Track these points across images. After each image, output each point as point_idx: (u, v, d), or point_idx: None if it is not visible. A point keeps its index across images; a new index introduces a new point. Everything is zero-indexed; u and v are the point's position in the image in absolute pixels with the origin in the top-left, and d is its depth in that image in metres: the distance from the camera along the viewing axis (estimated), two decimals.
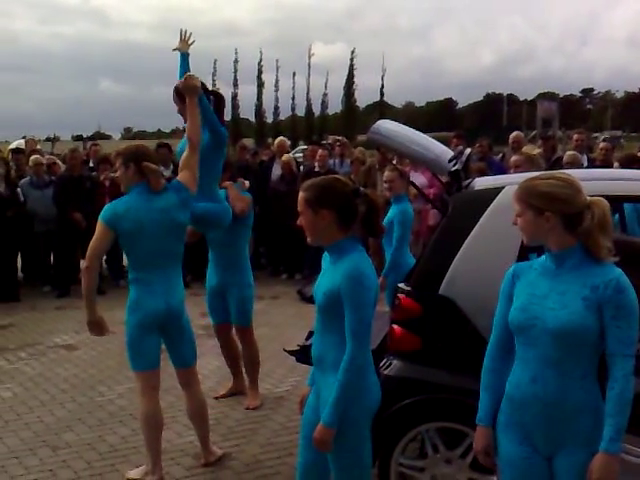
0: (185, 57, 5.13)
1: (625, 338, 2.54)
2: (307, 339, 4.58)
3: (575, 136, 9.61)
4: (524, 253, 3.44)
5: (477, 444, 2.88)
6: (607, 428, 2.53)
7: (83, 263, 4.29)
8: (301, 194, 3.12)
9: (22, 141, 14.74)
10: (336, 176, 3.28)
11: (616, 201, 4.22)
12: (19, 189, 9.91)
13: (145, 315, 4.28)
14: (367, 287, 2.97)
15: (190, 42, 5.16)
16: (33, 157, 10.46)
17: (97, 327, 4.31)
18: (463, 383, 3.53)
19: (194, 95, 4.60)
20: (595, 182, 3.58)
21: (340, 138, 12.29)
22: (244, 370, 5.94)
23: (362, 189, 3.13)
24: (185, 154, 4.58)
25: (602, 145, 9.16)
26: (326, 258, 3.20)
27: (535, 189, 2.65)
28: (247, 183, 6.20)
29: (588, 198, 2.62)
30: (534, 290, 2.69)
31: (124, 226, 4.17)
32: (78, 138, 56.85)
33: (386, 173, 6.39)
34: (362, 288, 2.96)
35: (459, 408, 3.58)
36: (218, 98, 5.30)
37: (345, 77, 58.73)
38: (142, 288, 4.29)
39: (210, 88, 5.30)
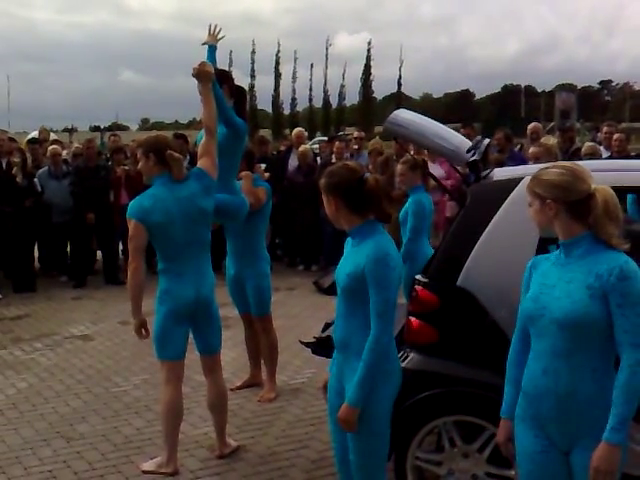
0: (212, 50, 5.14)
1: (631, 327, 2.50)
2: (323, 331, 4.55)
3: (615, 136, 8.94)
4: (543, 244, 3.38)
5: (498, 436, 2.92)
6: (611, 418, 2.50)
7: (129, 263, 4.28)
8: (320, 181, 3.23)
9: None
10: (346, 163, 3.33)
11: (632, 192, 4.16)
12: (36, 179, 9.94)
13: (176, 305, 4.29)
14: (392, 267, 3.03)
15: (219, 37, 5.16)
16: (51, 147, 10.49)
17: (140, 329, 4.33)
18: (481, 376, 3.49)
19: (208, 82, 4.60)
20: (613, 173, 3.53)
21: (357, 134, 12.23)
22: (263, 362, 5.92)
23: (366, 175, 3.16)
24: (203, 141, 4.58)
25: (616, 136, 9.00)
26: (348, 242, 3.24)
27: (539, 178, 2.69)
28: (267, 174, 6.18)
29: (593, 186, 2.59)
30: (545, 280, 2.68)
31: (153, 219, 4.17)
32: (96, 129, 57.05)
33: (398, 166, 6.35)
34: (387, 268, 3.01)
35: (477, 401, 3.54)
36: (240, 92, 5.32)
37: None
38: (172, 278, 4.30)
39: None
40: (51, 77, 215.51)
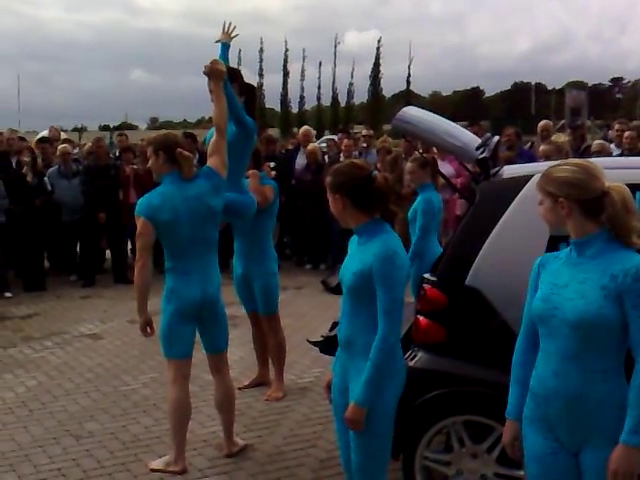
0: (225, 48, 5.13)
1: None
2: (331, 330, 4.55)
3: (626, 134, 8.89)
4: (553, 243, 3.35)
5: (504, 437, 2.87)
6: (627, 420, 2.47)
7: (135, 261, 4.30)
8: (326, 179, 3.22)
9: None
10: (353, 160, 3.34)
11: None
12: (46, 178, 9.98)
13: (182, 303, 4.29)
14: (399, 266, 3.02)
15: (233, 35, 5.16)
16: (61, 146, 10.51)
17: (145, 327, 4.34)
18: (490, 376, 3.47)
19: (220, 80, 4.58)
20: (623, 170, 3.50)
21: (366, 132, 12.23)
22: (270, 361, 5.92)
23: (375, 173, 3.14)
24: (213, 139, 4.56)
25: (627, 134, 8.96)
26: (353, 241, 3.23)
27: (551, 176, 2.64)
28: (274, 172, 6.16)
29: (607, 184, 2.56)
30: (556, 280, 2.64)
31: (162, 217, 4.17)
32: (105, 128, 57.19)
33: (407, 164, 6.33)
34: (395, 267, 2.99)
35: (486, 401, 3.52)
36: (251, 90, 5.31)
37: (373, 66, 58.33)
38: (179, 277, 4.30)
39: None
40: (60, 76, 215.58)
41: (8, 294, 9.32)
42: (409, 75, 58.87)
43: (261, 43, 57.64)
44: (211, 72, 4.59)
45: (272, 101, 60.64)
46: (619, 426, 2.50)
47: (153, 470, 4.46)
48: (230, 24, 5.14)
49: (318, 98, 59.09)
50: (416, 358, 3.74)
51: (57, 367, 6.56)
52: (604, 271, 2.52)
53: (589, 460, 2.59)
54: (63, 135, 15.41)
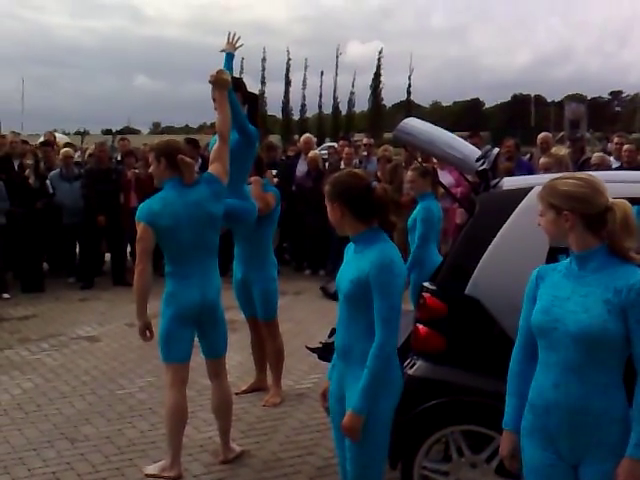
0: (230, 58, 5.19)
1: None
2: (329, 336, 4.54)
3: (625, 147, 8.92)
4: (552, 254, 3.36)
5: (503, 449, 2.85)
6: (633, 434, 2.46)
7: (135, 265, 4.30)
8: (325, 187, 3.24)
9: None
10: (353, 170, 3.36)
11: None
12: (48, 181, 10.02)
13: (181, 308, 4.30)
14: (397, 274, 3.03)
15: (237, 45, 5.21)
16: (63, 150, 10.57)
17: (144, 331, 4.33)
18: (489, 385, 3.46)
19: (224, 89, 4.65)
20: (622, 184, 3.50)
21: (366, 140, 12.27)
22: (268, 366, 5.91)
23: (374, 184, 3.16)
24: (216, 146, 4.63)
25: (626, 147, 8.98)
26: (350, 249, 3.24)
27: (555, 188, 2.63)
28: (275, 179, 6.18)
29: (610, 199, 2.56)
30: (557, 292, 2.63)
31: (162, 223, 4.19)
32: (107, 132, 57.17)
33: (408, 173, 6.36)
34: (392, 275, 3.01)
35: (485, 411, 3.50)
36: (253, 99, 5.36)
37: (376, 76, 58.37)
38: (179, 281, 4.31)
39: None
40: (65, 81, 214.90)
41: (6, 295, 9.31)
42: (409, 85, 58.98)
43: (264, 52, 57.72)
44: (216, 81, 4.66)
45: (274, 108, 60.73)
46: (620, 439, 2.50)
47: (148, 475, 4.44)
48: (235, 34, 5.20)
49: (319, 106, 59.17)
50: (415, 367, 3.73)
51: (53, 369, 6.54)
52: (607, 285, 2.52)
53: (589, 473, 2.58)
54: (65, 138, 15.47)
